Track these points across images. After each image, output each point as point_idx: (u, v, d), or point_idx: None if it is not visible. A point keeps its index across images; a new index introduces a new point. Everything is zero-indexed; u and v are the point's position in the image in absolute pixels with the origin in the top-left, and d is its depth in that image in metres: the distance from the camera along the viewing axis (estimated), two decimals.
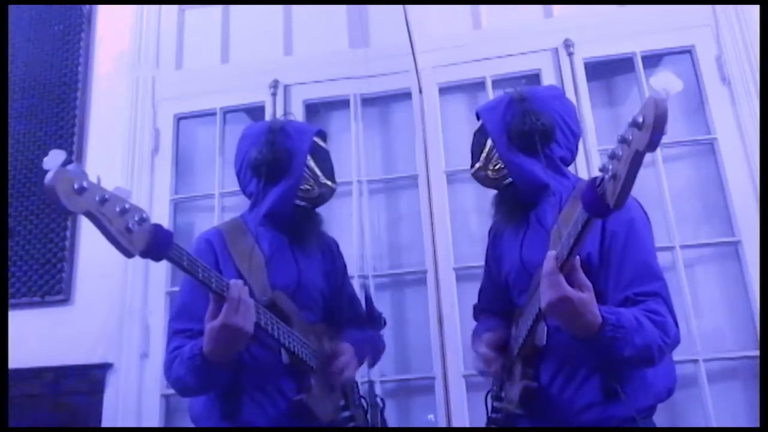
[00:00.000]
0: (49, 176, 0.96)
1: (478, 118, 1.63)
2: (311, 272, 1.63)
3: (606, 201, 0.96)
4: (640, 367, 1.32)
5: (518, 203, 1.55)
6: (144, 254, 1.11)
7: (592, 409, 1.34)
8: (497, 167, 1.55)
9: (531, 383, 1.40)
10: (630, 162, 0.90)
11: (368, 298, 1.83)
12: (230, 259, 1.54)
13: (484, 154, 1.57)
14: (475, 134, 1.62)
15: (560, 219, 1.45)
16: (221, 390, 1.47)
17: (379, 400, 1.77)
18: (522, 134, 1.51)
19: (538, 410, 1.40)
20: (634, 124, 0.88)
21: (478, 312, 1.76)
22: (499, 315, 1.62)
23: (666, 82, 0.84)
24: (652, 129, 0.84)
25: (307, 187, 1.62)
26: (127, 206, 1.06)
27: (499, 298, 1.64)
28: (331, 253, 1.75)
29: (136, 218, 1.07)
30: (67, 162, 0.99)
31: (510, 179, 1.54)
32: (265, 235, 1.60)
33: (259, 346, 1.48)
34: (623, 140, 0.91)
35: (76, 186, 0.98)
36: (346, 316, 1.71)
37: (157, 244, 1.11)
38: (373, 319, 1.82)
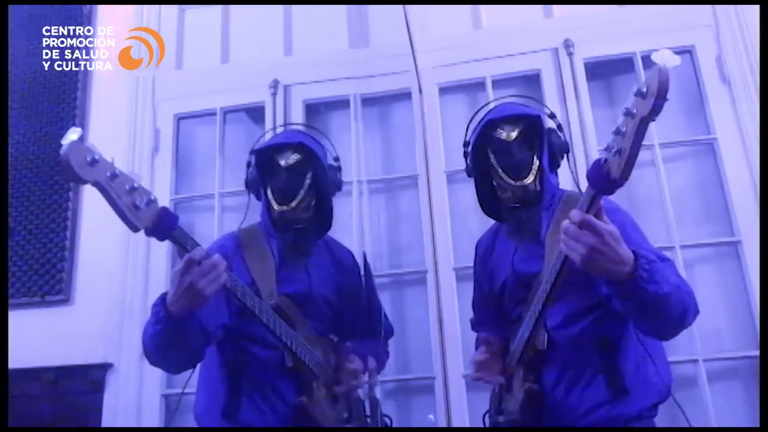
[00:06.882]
0: (64, 147, 0.98)
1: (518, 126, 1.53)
2: (321, 284, 1.62)
3: (612, 176, 0.96)
4: (675, 318, 1.20)
5: (523, 218, 1.52)
6: (149, 232, 1.11)
7: (598, 410, 1.34)
8: (536, 179, 1.51)
9: (533, 385, 1.39)
10: (635, 131, 0.91)
11: (379, 310, 1.80)
12: (242, 261, 1.55)
13: (534, 169, 1.50)
14: (514, 147, 1.51)
15: (552, 224, 1.45)
16: (215, 385, 1.48)
17: (386, 419, 1.74)
18: (561, 149, 1.57)
19: (543, 416, 1.40)
20: (639, 94, 0.90)
21: (476, 324, 1.76)
22: (497, 326, 1.62)
23: (666, 57, 0.88)
24: (656, 94, 0.87)
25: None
26: (136, 185, 1.08)
27: (493, 309, 1.64)
28: (344, 265, 1.73)
29: (144, 199, 1.09)
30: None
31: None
32: (279, 243, 1.61)
33: (262, 347, 1.48)
34: (628, 113, 0.92)
35: (88, 158, 1.01)
36: (358, 329, 1.69)
37: (163, 224, 1.12)
38: (384, 333, 1.78)
